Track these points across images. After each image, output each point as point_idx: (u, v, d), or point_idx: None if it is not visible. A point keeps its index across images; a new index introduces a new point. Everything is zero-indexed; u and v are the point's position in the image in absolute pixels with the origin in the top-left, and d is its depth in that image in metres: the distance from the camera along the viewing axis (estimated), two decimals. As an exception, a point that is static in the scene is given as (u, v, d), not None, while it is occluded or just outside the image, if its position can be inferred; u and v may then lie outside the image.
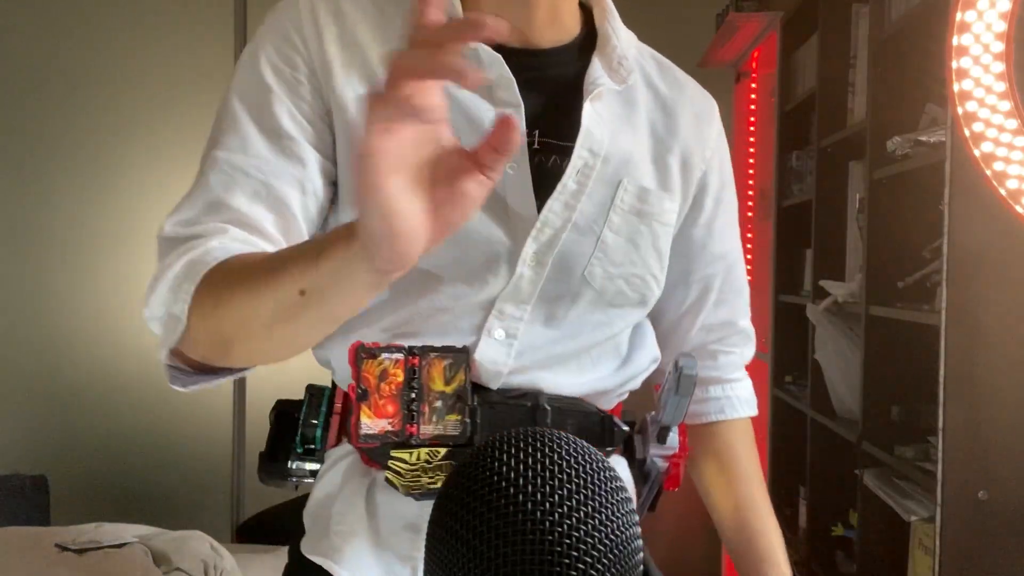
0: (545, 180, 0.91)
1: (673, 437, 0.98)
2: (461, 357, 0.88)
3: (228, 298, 0.76)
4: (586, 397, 0.97)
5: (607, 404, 1.00)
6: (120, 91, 3.15)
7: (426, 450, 0.88)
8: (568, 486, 0.65)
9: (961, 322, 1.50)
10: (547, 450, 0.67)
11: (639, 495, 1.03)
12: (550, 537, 0.63)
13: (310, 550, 0.93)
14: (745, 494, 1.11)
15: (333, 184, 0.91)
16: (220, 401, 3.12)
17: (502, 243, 0.90)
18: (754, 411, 1.16)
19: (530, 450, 0.67)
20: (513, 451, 0.67)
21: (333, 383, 0.97)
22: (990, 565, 1.49)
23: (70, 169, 3.15)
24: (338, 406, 0.94)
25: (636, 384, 1.03)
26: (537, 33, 0.94)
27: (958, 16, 1.33)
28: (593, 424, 0.96)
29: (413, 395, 0.88)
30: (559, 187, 0.91)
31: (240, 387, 3.12)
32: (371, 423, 0.86)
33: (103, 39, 3.15)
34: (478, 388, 0.91)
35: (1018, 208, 1.35)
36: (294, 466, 0.95)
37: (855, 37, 2.27)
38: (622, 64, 0.96)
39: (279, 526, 2.48)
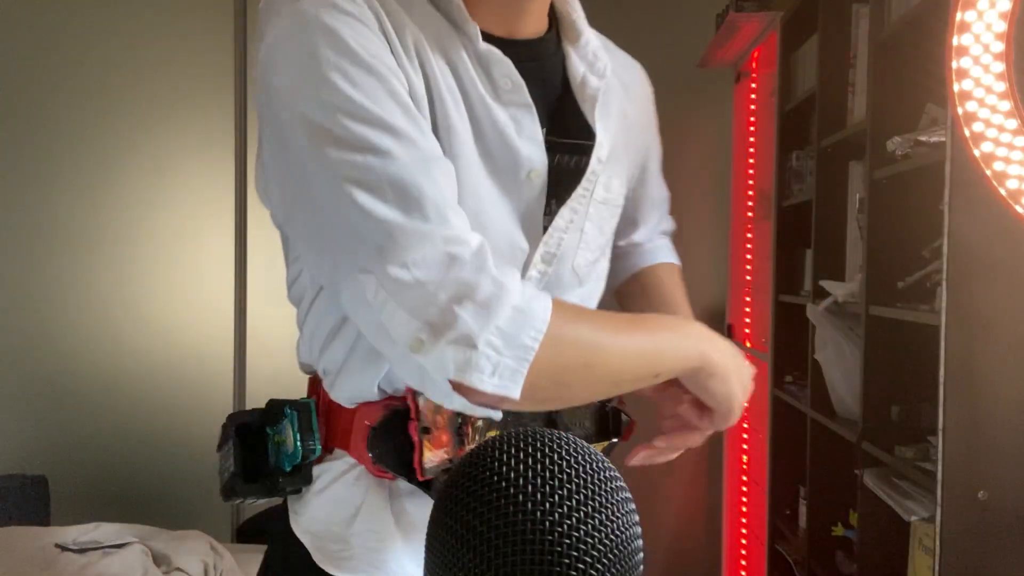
0: (553, 179, 0.93)
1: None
2: None
3: (584, 373, 0.82)
4: None
5: None
6: (120, 91, 3.15)
7: None
8: (568, 486, 0.65)
9: (961, 322, 1.50)
10: (547, 450, 0.67)
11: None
12: (550, 537, 0.63)
13: (335, 567, 0.92)
14: (669, 303, 1.19)
15: None
16: (220, 401, 3.12)
17: (521, 248, 0.92)
18: (675, 259, 1.26)
19: (530, 450, 0.67)
20: (513, 451, 0.67)
21: (313, 393, 0.96)
22: (990, 565, 1.49)
23: (70, 169, 3.15)
24: (323, 416, 0.93)
25: None
26: (527, 24, 0.95)
27: (958, 16, 1.33)
28: (604, 416, 1.01)
29: (460, 419, 0.90)
30: (574, 195, 0.94)
31: (240, 387, 3.12)
32: (433, 456, 0.88)
33: (103, 39, 3.15)
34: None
35: (1018, 208, 1.35)
36: (281, 485, 0.94)
37: (855, 37, 2.27)
38: (597, 56, 0.99)
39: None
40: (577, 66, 0.97)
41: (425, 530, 0.91)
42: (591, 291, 1.03)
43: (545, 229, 0.93)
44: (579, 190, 0.95)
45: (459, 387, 0.77)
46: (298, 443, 0.92)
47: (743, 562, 3.15)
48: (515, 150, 0.89)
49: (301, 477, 0.93)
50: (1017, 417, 1.49)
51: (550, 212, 0.94)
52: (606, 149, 0.97)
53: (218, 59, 3.12)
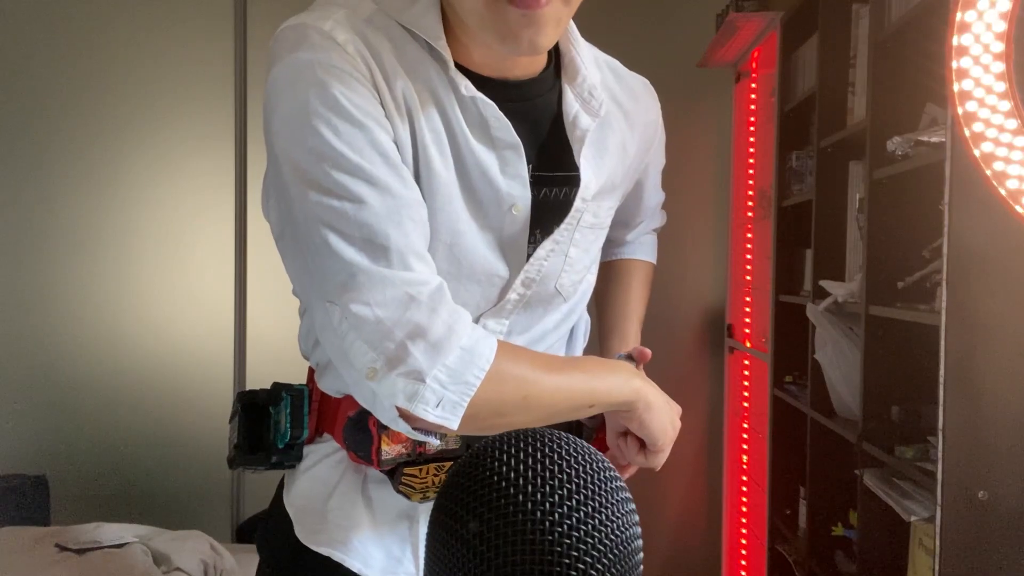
0: (537, 212, 0.98)
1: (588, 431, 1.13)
2: None
3: (523, 408, 0.89)
4: None
5: None
6: (120, 92, 3.15)
7: (434, 465, 0.97)
8: (568, 486, 0.65)
9: (961, 322, 1.50)
10: (547, 450, 0.67)
11: None
12: (550, 537, 0.63)
13: (311, 540, 1.00)
14: (622, 297, 1.25)
15: None
16: (220, 401, 3.12)
17: (500, 276, 0.98)
18: (654, 259, 1.34)
19: (530, 450, 0.67)
20: (513, 451, 0.67)
21: (310, 381, 1.04)
22: (990, 565, 1.49)
23: (70, 170, 3.15)
24: (315, 403, 1.02)
25: None
26: (521, 65, 0.97)
27: (958, 16, 1.33)
28: (567, 428, 1.03)
29: None
30: (557, 230, 1.00)
31: (240, 387, 3.12)
32: (389, 449, 0.94)
33: (103, 39, 3.15)
34: None
35: (1018, 208, 1.35)
36: (275, 460, 1.03)
37: (855, 37, 2.27)
38: (592, 95, 1.02)
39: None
40: (572, 104, 1.00)
41: (390, 518, 1.00)
42: (575, 306, 1.09)
43: (529, 256, 0.99)
44: (565, 223, 1.00)
45: (405, 414, 0.85)
46: (287, 425, 1.01)
47: (743, 562, 3.15)
48: (497, 188, 0.95)
49: (292, 455, 1.03)
50: (1017, 417, 1.49)
51: (534, 241, 0.99)
52: (593, 188, 1.02)
53: (218, 59, 3.12)
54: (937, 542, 1.51)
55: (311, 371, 1.05)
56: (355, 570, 0.98)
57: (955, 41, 1.33)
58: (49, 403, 3.14)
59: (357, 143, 0.85)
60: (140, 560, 2.11)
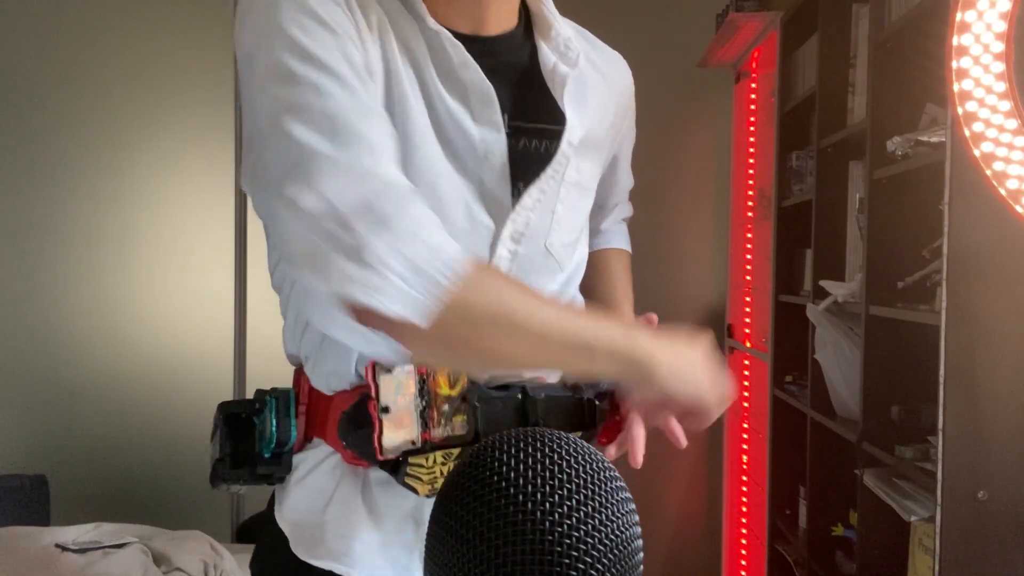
0: (520, 162, 0.96)
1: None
2: None
3: (501, 337, 0.81)
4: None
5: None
6: (120, 92, 3.15)
7: (440, 452, 0.91)
8: (568, 486, 0.65)
9: (961, 322, 1.49)
10: (547, 450, 0.67)
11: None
12: (550, 537, 0.63)
13: (308, 554, 0.94)
14: (610, 284, 1.22)
15: None
16: (220, 401, 3.12)
17: (486, 227, 0.95)
18: (628, 248, 1.29)
19: (530, 450, 0.67)
20: (513, 451, 0.67)
21: (297, 383, 0.98)
22: (990, 565, 1.49)
23: (70, 169, 3.15)
24: (303, 406, 0.97)
25: None
26: (490, 21, 0.98)
27: (958, 16, 1.33)
28: (577, 406, 1.01)
29: (424, 403, 0.90)
30: (542, 176, 0.97)
31: (240, 387, 3.12)
32: (393, 436, 0.89)
33: (103, 39, 3.15)
34: (471, 384, 0.93)
35: (1018, 208, 1.35)
36: (261, 471, 0.96)
37: (855, 37, 2.27)
38: (568, 47, 1.02)
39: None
40: (548, 56, 1.01)
41: (395, 524, 0.94)
42: (571, 277, 1.05)
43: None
44: (548, 171, 0.98)
45: (360, 314, 0.78)
46: (274, 428, 0.94)
47: (743, 562, 3.15)
48: (469, 134, 0.93)
49: (281, 464, 0.96)
50: (1017, 417, 1.49)
51: (517, 193, 0.97)
52: (579, 133, 1.00)
53: (218, 59, 3.12)
54: (937, 542, 1.51)
55: (297, 372, 1.00)
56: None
57: (955, 41, 1.33)
58: (49, 403, 3.14)
59: (327, 44, 0.83)
60: (140, 560, 2.11)
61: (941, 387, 1.50)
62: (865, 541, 1.99)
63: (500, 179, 0.95)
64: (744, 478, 3.16)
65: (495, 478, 0.66)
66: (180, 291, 3.16)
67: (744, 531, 3.15)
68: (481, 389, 0.94)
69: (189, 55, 3.14)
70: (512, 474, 0.65)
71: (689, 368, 0.92)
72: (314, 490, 0.96)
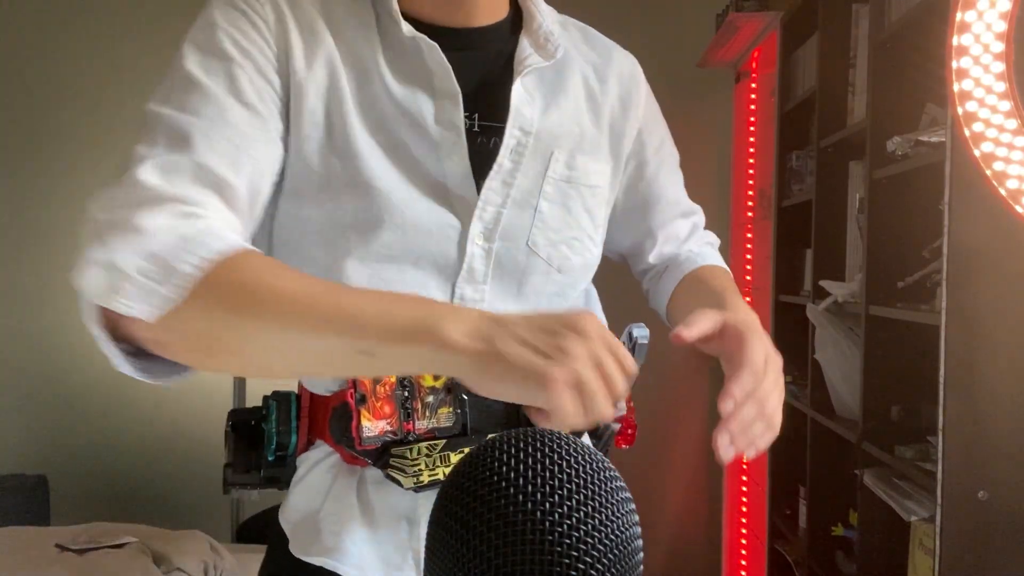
0: (486, 161, 0.95)
1: (621, 402, 1.01)
2: None
3: (251, 314, 0.72)
4: None
5: None
6: (121, 92, 3.15)
7: (425, 444, 0.90)
8: (568, 486, 0.65)
9: (961, 322, 1.50)
10: (547, 450, 0.67)
11: None
12: (550, 537, 0.63)
13: (304, 552, 0.94)
14: (713, 293, 1.08)
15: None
16: (220, 401, 3.12)
17: (452, 226, 0.94)
18: (723, 264, 1.17)
19: (530, 450, 0.67)
20: (513, 451, 0.67)
21: (300, 386, 0.98)
22: (990, 565, 1.49)
23: (71, 169, 3.15)
24: (305, 409, 0.96)
25: None
26: (473, 13, 0.97)
27: (958, 16, 1.33)
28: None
29: (406, 393, 0.90)
30: (495, 167, 0.95)
31: (240, 387, 3.12)
32: (371, 425, 0.88)
33: (104, 40, 3.15)
34: None
35: (1018, 208, 1.35)
36: (265, 475, 0.96)
37: (855, 37, 2.27)
38: (548, 40, 1.00)
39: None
40: (525, 49, 0.99)
41: (388, 522, 0.93)
42: (573, 282, 1.02)
43: None
44: (504, 162, 0.95)
45: (109, 319, 0.77)
46: (274, 431, 0.94)
47: (743, 562, 3.15)
48: (428, 137, 0.92)
49: (284, 467, 0.96)
50: (1017, 417, 1.49)
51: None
52: (531, 120, 0.97)
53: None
54: (937, 542, 1.51)
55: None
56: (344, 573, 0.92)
57: (955, 41, 1.33)
58: (49, 403, 3.14)
59: (212, 69, 0.84)
60: (140, 560, 2.11)
61: (941, 387, 1.50)
62: (865, 541, 1.99)
63: (463, 179, 0.94)
64: (744, 478, 3.16)
65: (495, 478, 0.66)
66: (180, 291, 3.16)
67: (744, 531, 3.15)
68: None
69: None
70: (512, 474, 0.65)
71: (522, 359, 0.68)
72: (312, 488, 0.96)
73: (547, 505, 0.64)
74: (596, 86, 1.05)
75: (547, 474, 0.65)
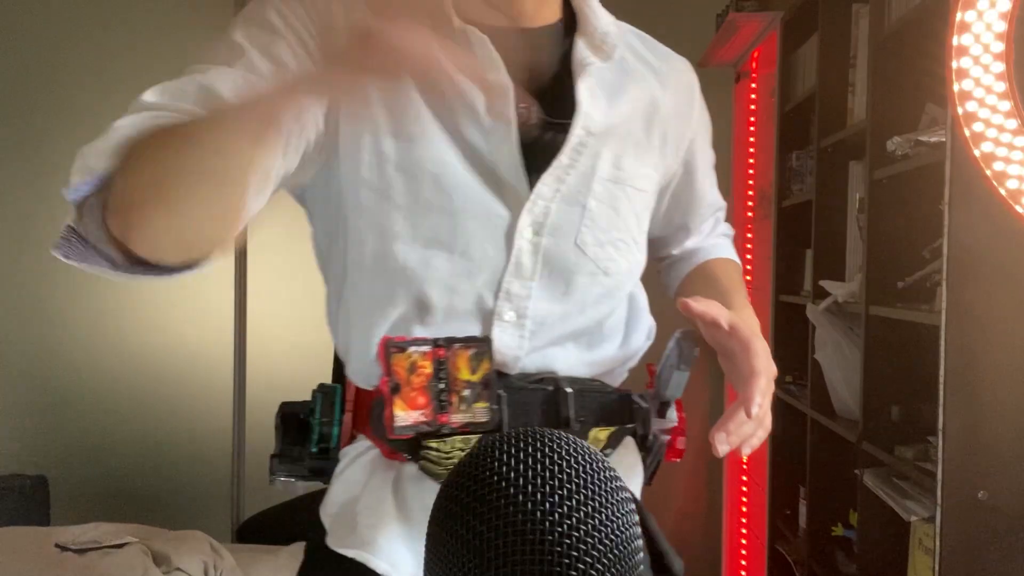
0: (539, 155, 0.96)
1: (672, 411, 1.02)
2: (484, 346, 0.91)
3: (152, 153, 0.76)
4: (596, 377, 1.00)
5: (613, 383, 1.03)
6: (121, 93, 3.14)
7: (459, 438, 0.90)
8: (568, 486, 0.65)
9: (961, 322, 1.49)
10: (547, 450, 0.67)
11: (643, 468, 1.06)
12: (550, 537, 0.63)
13: (339, 545, 0.95)
14: (710, 284, 1.15)
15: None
16: (220, 401, 3.12)
17: (500, 216, 0.95)
18: (735, 258, 1.23)
19: (530, 450, 0.67)
20: (513, 451, 0.67)
21: (343, 381, 0.99)
22: (990, 565, 1.49)
23: (69, 170, 3.14)
24: (350, 404, 0.97)
25: (635, 361, 1.08)
26: (526, 14, 0.98)
27: (958, 16, 1.33)
28: (612, 402, 0.99)
29: (442, 385, 0.90)
30: (555, 163, 0.96)
31: (240, 387, 3.12)
32: (405, 415, 0.88)
33: (104, 41, 3.15)
34: (500, 374, 0.93)
35: (1018, 208, 1.35)
36: (308, 466, 0.97)
37: (855, 37, 2.27)
38: (605, 41, 1.01)
39: (279, 526, 2.48)
40: (582, 50, 1.00)
41: (423, 518, 0.91)
42: (619, 284, 1.02)
43: None
44: (562, 159, 0.96)
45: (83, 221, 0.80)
46: (317, 423, 0.96)
47: (743, 562, 3.15)
48: (481, 127, 0.93)
49: (328, 460, 0.97)
50: (1017, 417, 1.49)
51: (534, 184, 0.96)
52: (597, 120, 0.98)
53: (218, 59, 3.12)
54: (937, 542, 1.51)
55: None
56: (382, 572, 0.92)
57: (955, 41, 1.33)
58: (49, 403, 3.14)
59: (255, 39, 0.89)
60: (140, 560, 2.11)
61: (941, 387, 1.50)
62: (865, 541, 1.99)
63: (514, 170, 0.95)
64: (744, 478, 3.16)
65: (495, 478, 0.66)
66: (180, 291, 3.16)
67: (744, 531, 3.15)
68: (508, 380, 0.94)
69: (190, 56, 3.14)
70: (512, 474, 0.65)
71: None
72: (351, 482, 0.97)
73: (547, 505, 0.64)
74: (656, 92, 1.06)
75: (547, 474, 0.65)
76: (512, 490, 0.65)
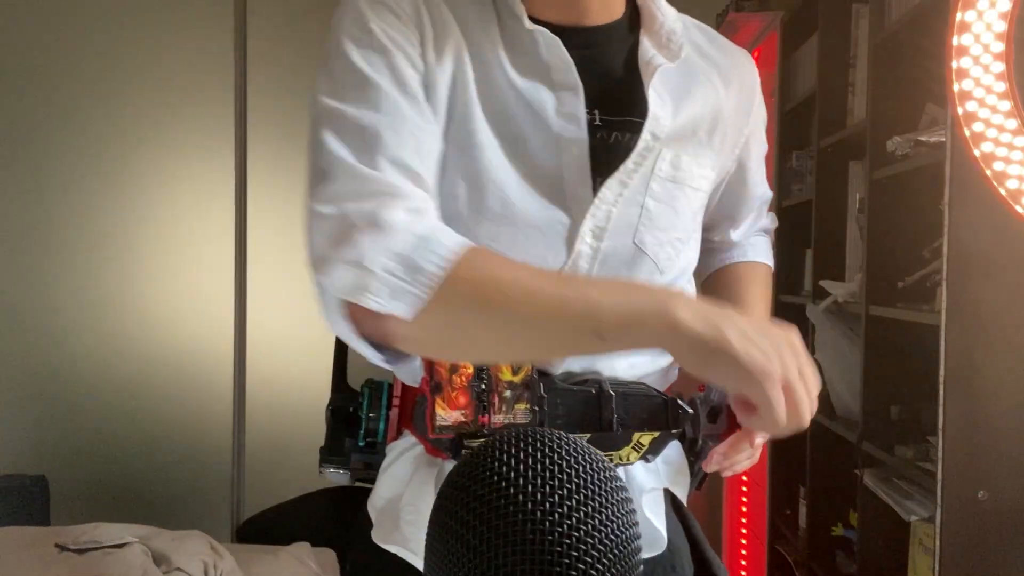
0: (605, 156, 0.95)
1: (722, 416, 1.01)
2: None
3: (498, 307, 0.77)
4: (640, 379, 0.99)
5: (659, 386, 1.01)
6: (121, 94, 3.15)
7: None
8: (568, 486, 0.65)
9: (961, 322, 1.49)
10: (547, 450, 0.67)
11: (691, 474, 1.05)
12: (550, 537, 0.63)
13: (384, 540, 0.96)
14: (735, 298, 1.15)
15: None
16: (220, 401, 3.12)
17: (561, 222, 0.94)
18: (770, 262, 1.23)
19: (530, 450, 0.67)
20: (513, 451, 0.67)
21: (394, 378, 0.99)
22: (990, 565, 1.49)
23: (71, 169, 3.15)
24: (397, 400, 0.98)
25: None
26: (590, 12, 0.98)
27: (958, 16, 1.33)
28: (658, 406, 0.98)
29: (483, 386, 0.90)
30: (621, 168, 0.95)
31: (240, 387, 3.12)
32: (446, 415, 0.89)
33: (105, 42, 3.15)
34: (541, 375, 0.92)
35: (1018, 208, 1.35)
36: (355, 459, 0.99)
37: (855, 37, 2.27)
38: (671, 39, 1.01)
39: (279, 526, 2.48)
40: (648, 49, 0.99)
41: None
42: (673, 281, 1.01)
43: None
44: (629, 163, 0.95)
45: (355, 314, 0.80)
46: (364, 417, 0.98)
47: (743, 562, 3.15)
48: (549, 129, 0.93)
49: (373, 453, 0.99)
50: (1017, 417, 1.49)
51: (598, 188, 0.95)
52: (665, 125, 0.97)
53: (218, 59, 3.12)
54: (937, 542, 1.51)
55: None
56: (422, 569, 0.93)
57: (955, 41, 1.33)
58: (49, 403, 3.14)
59: (376, 64, 0.87)
60: (140, 560, 2.11)
61: (941, 387, 1.50)
62: (865, 541, 1.99)
63: (580, 174, 0.94)
64: (744, 478, 3.16)
65: (495, 478, 0.66)
66: (180, 290, 3.16)
67: (744, 531, 3.15)
68: (551, 380, 0.93)
69: (191, 58, 3.14)
70: (512, 474, 0.65)
71: (753, 343, 0.72)
72: (396, 478, 0.97)
73: (547, 505, 0.64)
74: (720, 93, 1.04)
75: (547, 474, 0.65)
76: (512, 490, 0.65)
